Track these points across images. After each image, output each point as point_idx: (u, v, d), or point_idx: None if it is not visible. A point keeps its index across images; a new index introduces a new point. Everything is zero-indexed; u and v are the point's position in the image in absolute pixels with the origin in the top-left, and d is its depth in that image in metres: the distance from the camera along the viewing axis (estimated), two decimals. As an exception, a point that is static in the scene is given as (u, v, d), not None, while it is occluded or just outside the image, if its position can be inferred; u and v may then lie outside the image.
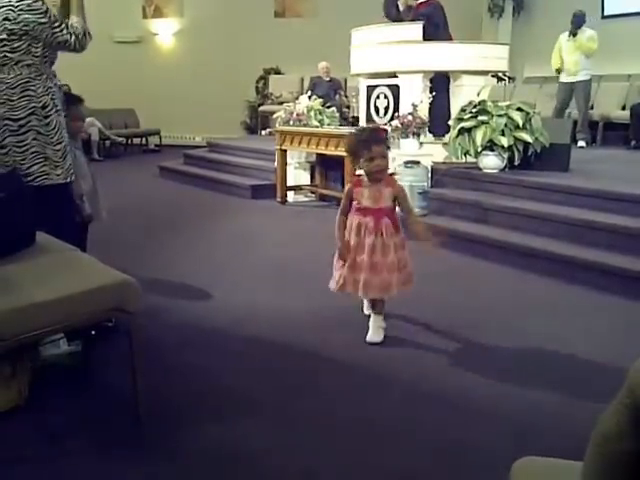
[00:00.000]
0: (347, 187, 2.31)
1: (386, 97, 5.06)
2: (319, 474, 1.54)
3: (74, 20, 2.19)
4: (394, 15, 5.31)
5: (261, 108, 9.51)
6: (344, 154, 4.60)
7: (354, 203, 2.26)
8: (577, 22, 6.08)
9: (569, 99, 6.25)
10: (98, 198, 2.64)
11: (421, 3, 5.14)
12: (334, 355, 2.21)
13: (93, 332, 2.16)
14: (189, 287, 3.05)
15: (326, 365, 2.14)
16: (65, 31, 2.12)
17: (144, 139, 10.12)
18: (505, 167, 4.24)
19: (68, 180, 2.23)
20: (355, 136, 2.30)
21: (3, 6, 2.07)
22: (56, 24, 2.10)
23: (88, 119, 7.86)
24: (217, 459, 1.60)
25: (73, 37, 2.13)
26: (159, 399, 1.86)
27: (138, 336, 1.71)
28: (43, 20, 2.07)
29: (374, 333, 2.30)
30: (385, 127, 2.29)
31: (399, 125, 4.54)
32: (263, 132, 8.36)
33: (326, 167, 5.37)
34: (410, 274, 2.29)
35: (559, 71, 6.24)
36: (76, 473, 1.54)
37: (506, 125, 4.09)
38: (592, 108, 6.73)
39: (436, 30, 4.97)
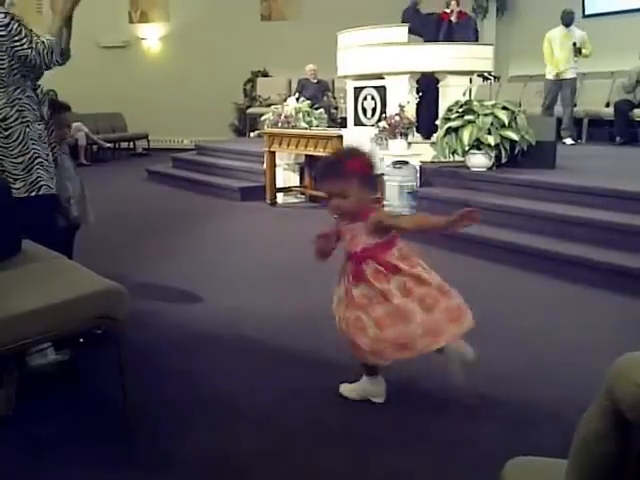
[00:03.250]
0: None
1: (373, 98, 5.07)
2: (312, 477, 1.54)
3: (46, 37, 2.11)
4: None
5: (249, 110, 9.49)
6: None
7: None
8: (568, 20, 6.15)
9: (557, 95, 6.32)
10: (86, 202, 2.63)
11: (460, 12, 5.23)
12: (325, 358, 2.21)
13: (81, 340, 2.14)
14: (179, 291, 3.03)
15: (317, 368, 2.14)
16: (27, 46, 2.05)
17: (132, 143, 10.07)
18: (492, 165, 4.28)
19: (32, 194, 2.15)
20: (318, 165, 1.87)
21: None
22: (16, 38, 2.04)
23: (75, 124, 7.79)
24: (209, 464, 1.59)
25: (34, 53, 2.05)
26: (149, 406, 1.85)
27: (127, 343, 1.69)
28: (2, 33, 2.02)
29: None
30: (363, 152, 1.80)
31: (387, 126, 4.56)
32: (251, 134, 8.34)
33: (315, 168, 5.37)
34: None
35: (559, 74, 6.25)
36: (66, 483, 1.53)
37: (492, 124, 4.13)
38: (575, 105, 6.81)
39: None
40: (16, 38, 2.04)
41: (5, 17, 2.04)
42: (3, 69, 2.06)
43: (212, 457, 1.62)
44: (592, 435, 0.64)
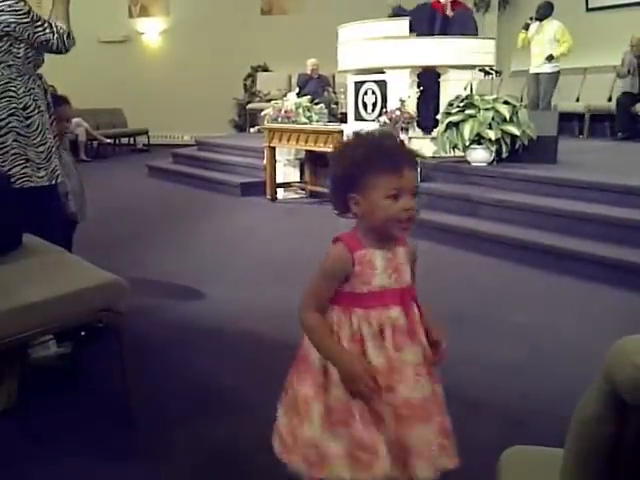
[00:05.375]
0: (337, 251, 1.10)
1: (374, 93, 5.06)
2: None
3: (58, 22, 2.18)
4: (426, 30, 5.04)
5: (249, 106, 9.47)
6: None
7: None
8: (539, 15, 6.19)
9: (537, 90, 6.36)
10: (85, 198, 2.64)
11: (454, 2, 5.11)
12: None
13: (83, 333, 2.15)
14: (179, 286, 3.04)
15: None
16: (48, 30, 2.11)
17: (132, 139, 10.06)
18: (493, 160, 4.27)
19: (53, 182, 2.20)
20: (360, 146, 1.07)
21: None
22: (38, 23, 2.09)
23: (75, 119, 7.78)
24: (210, 459, 1.59)
25: (56, 36, 2.12)
26: (150, 399, 1.85)
27: (128, 336, 1.70)
28: (25, 20, 2.06)
29: None
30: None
31: (387, 121, 4.54)
32: (252, 130, 8.33)
33: (315, 164, 5.36)
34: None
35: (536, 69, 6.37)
36: (67, 476, 1.53)
37: (493, 118, 4.11)
38: (549, 101, 6.67)
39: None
40: (38, 24, 2.09)
41: (25, 5, 2.08)
42: (19, 58, 2.09)
43: (212, 451, 1.62)
44: (589, 418, 0.64)
